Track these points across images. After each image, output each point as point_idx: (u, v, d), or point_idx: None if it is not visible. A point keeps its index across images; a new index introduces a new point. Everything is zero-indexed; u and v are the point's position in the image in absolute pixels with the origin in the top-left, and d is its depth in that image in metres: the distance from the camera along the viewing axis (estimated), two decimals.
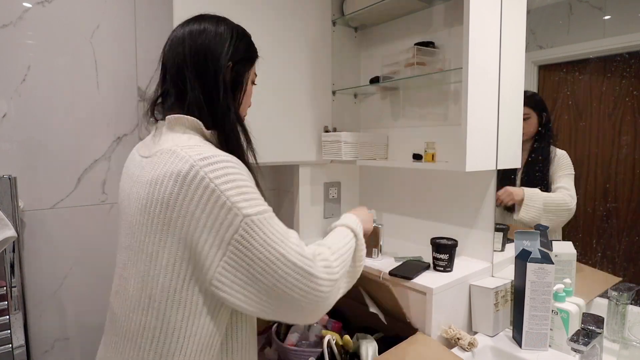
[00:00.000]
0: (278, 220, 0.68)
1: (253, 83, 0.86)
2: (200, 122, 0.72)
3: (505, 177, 1.20)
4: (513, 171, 1.21)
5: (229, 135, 0.75)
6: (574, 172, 1.13)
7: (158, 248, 0.65)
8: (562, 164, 1.14)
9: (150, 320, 0.66)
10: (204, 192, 0.61)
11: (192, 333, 0.66)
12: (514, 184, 1.21)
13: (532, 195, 1.18)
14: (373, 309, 1.10)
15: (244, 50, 0.79)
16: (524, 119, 1.18)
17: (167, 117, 0.73)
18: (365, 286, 1.10)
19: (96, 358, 0.79)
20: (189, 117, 0.71)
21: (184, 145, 0.66)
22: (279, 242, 0.64)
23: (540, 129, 1.19)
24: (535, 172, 1.19)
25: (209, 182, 0.61)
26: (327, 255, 0.71)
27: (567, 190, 1.13)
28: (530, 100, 1.18)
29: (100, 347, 0.80)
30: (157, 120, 0.78)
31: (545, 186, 1.17)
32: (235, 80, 0.78)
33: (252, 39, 0.84)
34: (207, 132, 0.73)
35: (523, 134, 1.18)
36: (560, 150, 1.15)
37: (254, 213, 0.63)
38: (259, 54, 0.84)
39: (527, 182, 1.20)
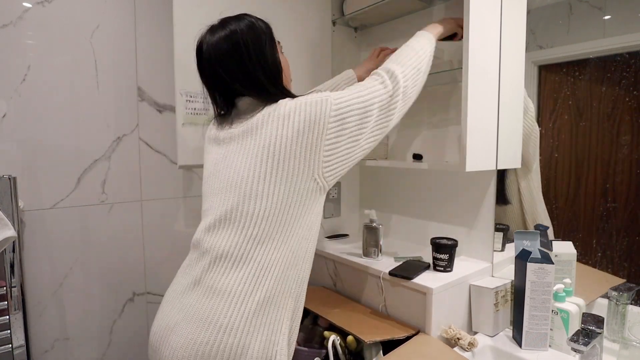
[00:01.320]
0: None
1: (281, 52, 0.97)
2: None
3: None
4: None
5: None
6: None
7: (278, 173, 0.79)
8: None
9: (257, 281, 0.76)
10: (306, 107, 0.79)
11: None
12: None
13: None
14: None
15: (267, 31, 0.91)
16: None
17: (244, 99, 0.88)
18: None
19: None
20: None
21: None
22: (359, 92, 0.83)
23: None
24: None
25: (301, 102, 0.79)
26: (389, 72, 0.88)
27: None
28: None
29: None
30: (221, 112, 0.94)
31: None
32: (276, 59, 0.90)
33: None
34: None
35: None
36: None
37: (329, 94, 0.80)
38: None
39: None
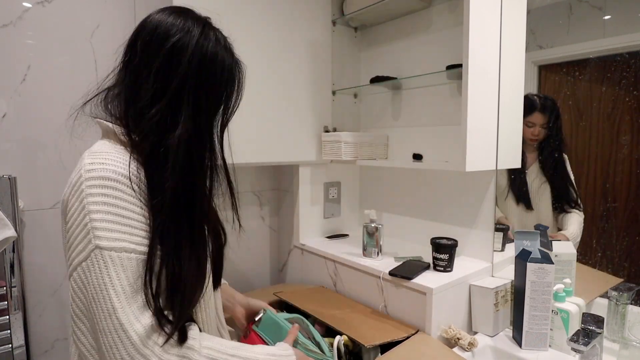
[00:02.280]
0: (141, 268, 0.58)
1: None
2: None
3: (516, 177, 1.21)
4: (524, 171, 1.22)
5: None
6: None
7: (64, 245, 0.64)
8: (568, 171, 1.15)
9: (71, 321, 0.63)
10: (78, 206, 0.58)
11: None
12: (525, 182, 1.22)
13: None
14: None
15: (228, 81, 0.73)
16: (535, 125, 1.19)
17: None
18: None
19: None
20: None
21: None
22: (119, 292, 0.55)
23: (551, 135, 1.18)
24: (547, 170, 1.19)
25: (84, 196, 0.58)
26: (192, 345, 0.59)
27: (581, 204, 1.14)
28: (544, 106, 1.18)
29: None
30: None
31: (563, 184, 1.17)
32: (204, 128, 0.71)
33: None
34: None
35: (532, 139, 1.19)
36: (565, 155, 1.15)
37: (108, 247, 0.56)
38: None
39: (553, 192, 1.20)
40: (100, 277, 0.55)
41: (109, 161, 0.60)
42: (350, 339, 1.02)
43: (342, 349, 1.01)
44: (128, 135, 0.64)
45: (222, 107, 0.71)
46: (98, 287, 0.55)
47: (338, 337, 1.00)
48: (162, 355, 0.56)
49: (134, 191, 0.60)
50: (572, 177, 1.14)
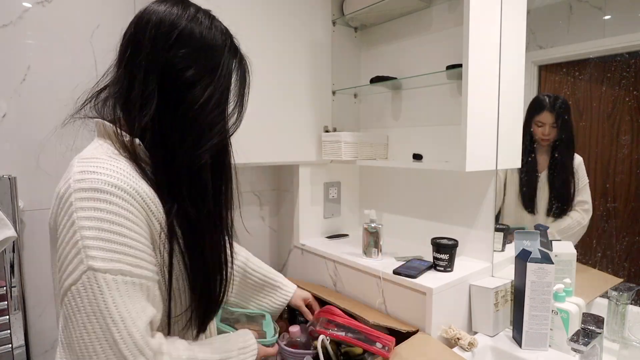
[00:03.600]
0: (140, 292, 0.53)
1: None
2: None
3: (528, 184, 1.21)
4: (535, 180, 1.22)
5: None
6: (588, 180, 1.13)
7: (52, 265, 0.58)
8: (581, 172, 1.14)
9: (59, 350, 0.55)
10: (67, 221, 0.52)
11: None
12: (534, 192, 1.22)
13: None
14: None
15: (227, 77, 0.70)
16: (544, 125, 1.18)
17: None
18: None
19: None
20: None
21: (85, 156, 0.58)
22: (117, 321, 0.49)
23: (561, 135, 1.18)
24: (558, 182, 1.19)
25: (73, 210, 0.51)
26: (183, 357, 0.57)
27: (587, 204, 1.13)
28: (553, 105, 1.18)
29: None
30: None
31: (568, 194, 1.17)
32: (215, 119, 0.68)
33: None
34: None
35: (543, 139, 1.19)
36: (579, 156, 1.14)
37: (102, 268, 0.49)
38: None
39: (552, 192, 1.20)
40: (94, 304, 0.49)
41: (101, 169, 0.54)
42: (357, 318, 1.01)
43: (328, 347, 1.01)
44: (130, 136, 0.60)
45: (233, 103, 0.69)
46: (93, 315, 0.49)
47: (322, 336, 1.00)
48: None
49: (131, 205, 0.54)
50: (581, 183, 1.13)
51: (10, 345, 1.07)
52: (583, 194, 1.13)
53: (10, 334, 1.07)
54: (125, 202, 0.53)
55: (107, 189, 0.53)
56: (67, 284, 0.50)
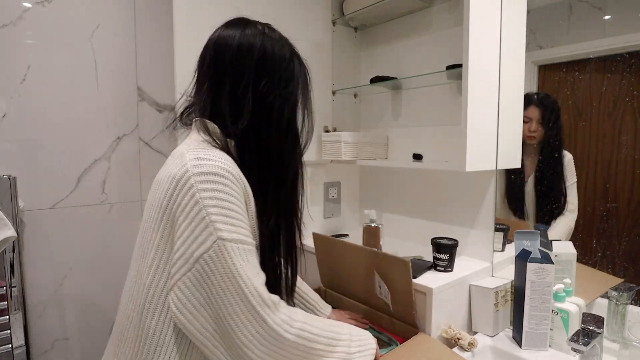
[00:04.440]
0: (254, 257, 0.65)
1: None
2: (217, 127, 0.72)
3: (514, 183, 1.20)
4: (522, 178, 1.21)
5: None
6: (576, 179, 1.13)
7: (150, 246, 0.65)
8: (570, 171, 1.13)
9: (135, 317, 0.65)
10: (189, 200, 0.60)
11: (164, 342, 0.63)
12: (522, 192, 1.21)
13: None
14: (383, 294, 1.08)
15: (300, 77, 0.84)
16: (531, 121, 1.17)
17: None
18: (381, 269, 1.08)
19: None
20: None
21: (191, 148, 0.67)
22: (245, 279, 0.61)
23: (548, 131, 1.17)
24: (546, 179, 1.18)
25: (195, 191, 0.60)
26: (297, 317, 0.67)
27: (572, 204, 1.12)
28: (541, 101, 1.17)
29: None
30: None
31: (558, 192, 1.16)
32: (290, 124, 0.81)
33: None
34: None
35: (529, 136, 1.18)
36: (569, 154, 1.14)
37: (229, 238, 0.61)
38: None
39: (540, 190, 1.20)
40: (226, 266, 0.60)
41: (214, 157, 0.64)
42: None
43: None
44: (226, 140, 0.70)
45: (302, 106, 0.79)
46: (225, 276, 0.60)
47: None
48: (290, 330, 0.64)
49: (238, 187, 0.64)
50: (568, 182, 1.13)
51: (10, 345, 1.07)
52: (570, 194, 1.13)
53: (10, 334, 1.07)
54: (234, 184, 0.64)
55: (223, 173, 0.63)
56: (199, 253, 0.60)
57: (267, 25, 0.78)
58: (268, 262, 0.72)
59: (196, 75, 0.77)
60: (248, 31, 0.73)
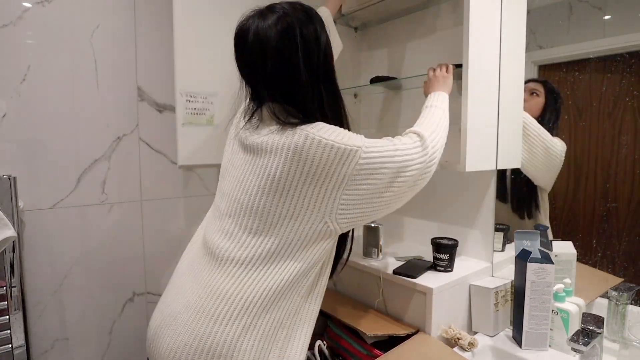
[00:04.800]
0: (376, 139, 0.78)
1: None
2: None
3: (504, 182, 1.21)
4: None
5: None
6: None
7: (288, 211, 0.74)
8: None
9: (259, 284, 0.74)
10: (324, 149, 0.71)
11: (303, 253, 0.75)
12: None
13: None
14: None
15: (322, 30, 0.87)
16: (533, 94, 1.18)
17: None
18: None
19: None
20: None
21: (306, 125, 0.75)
22: (395, 151, 0.77)
23: (546, 112, 1.17)
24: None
25: (321, 139, 0.71)
26: (427, 135, 0.86)
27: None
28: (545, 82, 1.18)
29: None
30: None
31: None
32: (331, 72, 0.89)
33: None
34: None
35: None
36: (562, 142, 1.14)
37: (361, 144, 0.73)
38: None
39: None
40: (379, 154, 0.76)
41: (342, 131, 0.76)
42: (356, 329, 1.01)
43: (325, 350, 1.01)
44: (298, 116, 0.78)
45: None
46: (385, 159, 0.76)
47: (318, 341, 1.00)
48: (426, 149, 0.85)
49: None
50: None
51: (10, 345, 1.07)
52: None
53: (10, 334, 1.07)
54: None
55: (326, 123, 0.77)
56: (350, 171, 0.72)
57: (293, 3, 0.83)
58: None
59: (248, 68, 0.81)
60: (295, 14, 0.78)
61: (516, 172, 1.21)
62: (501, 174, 1.21)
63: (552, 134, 1.16)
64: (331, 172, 0.71)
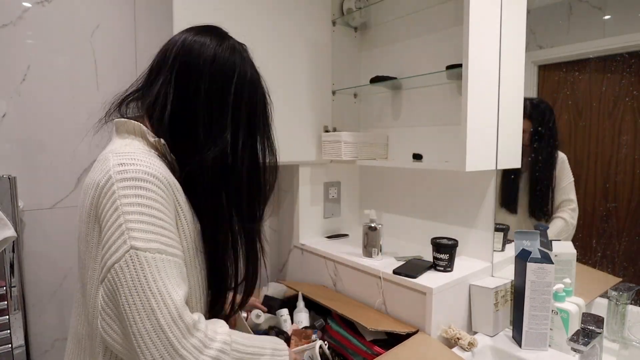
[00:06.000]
0: (175, 270, 0.58)
1: None
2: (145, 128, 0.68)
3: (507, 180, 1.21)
4: (517, 177, 1.22)
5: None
6: (573, 178, 1.13)
7: (85, 255, 0.65)
8: (566, 172, 1.14)
9: (79, 322, 0.67)
10: (110, 207, 0.57)
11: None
12: (517, 189, 1.22)
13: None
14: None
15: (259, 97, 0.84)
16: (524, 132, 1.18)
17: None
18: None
19: None
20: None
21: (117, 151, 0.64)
22: (156, 293, 0.54)
23: (539, 131, 1.18)
24: (538, 177, 1.19)
25: (117, 197, 0.57)
26: (216, 339, 0.59)
27: (573, 203, 1.13)
28: (530, 114, 1.18)
29: None
30: None
31: (547, 190, 1.17)
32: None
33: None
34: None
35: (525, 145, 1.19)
36: (562, 154, 1.14)
37: (143, 248, 0.55)
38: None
39: (531, 187, 1.20)
40: (136, 278, 0.54)
41: (139, 162, 0.60)
42: (356, 323, 1.01)
43: (326, 350, 1.01)
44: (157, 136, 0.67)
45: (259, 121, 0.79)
46: (134, 289, 0.54)
47: (319, 341, 1.00)
48: (200, 358, 0.56)
49: (164, 192, 0.60)
50: (565, 179, 1.13)
51: (10, 345, 1.07)
52: (569, 193, 1.13)
53: (10, 334, 1.07)
54: (159, 189, 0.60)
55: (146, 178, 0.59)
56: (111, 262, 0.55)
57: (243, 46, 0.77)
58: (217, 271, 0.71)
59: (153, 66, 0.76)
60: (225, 44, 0.72)
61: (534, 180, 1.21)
62: (510, 182, 1.21)
63: (557, 149, 1.16)
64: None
